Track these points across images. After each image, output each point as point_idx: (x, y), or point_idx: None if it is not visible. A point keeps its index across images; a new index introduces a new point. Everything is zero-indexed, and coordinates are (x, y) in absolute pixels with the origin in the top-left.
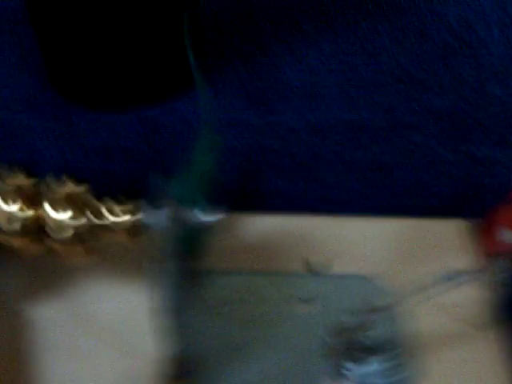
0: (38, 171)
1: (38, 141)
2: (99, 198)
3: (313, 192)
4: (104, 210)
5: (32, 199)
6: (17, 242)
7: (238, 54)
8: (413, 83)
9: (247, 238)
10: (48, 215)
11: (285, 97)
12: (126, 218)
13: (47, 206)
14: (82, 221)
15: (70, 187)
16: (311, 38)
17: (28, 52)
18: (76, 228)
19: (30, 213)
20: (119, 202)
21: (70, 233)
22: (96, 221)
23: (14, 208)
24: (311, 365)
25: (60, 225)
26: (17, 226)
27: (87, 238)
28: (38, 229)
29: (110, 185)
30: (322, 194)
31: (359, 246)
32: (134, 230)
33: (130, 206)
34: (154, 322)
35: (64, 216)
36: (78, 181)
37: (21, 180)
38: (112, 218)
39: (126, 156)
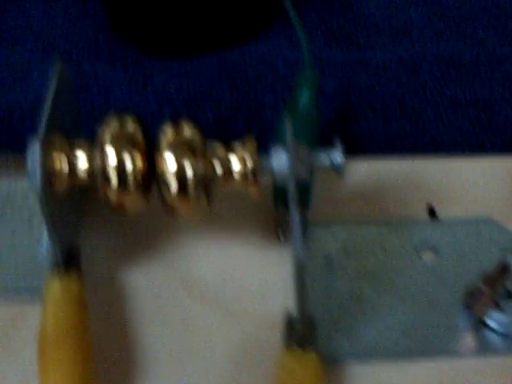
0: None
1: (112, 92)
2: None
3: (414, 132)
4: (224, 157)
5: (141, 147)
6: (122, 197)
7: None
8: (502, 13)
9: (355, 185)
10: (164, 165)
11: (369, 32)
12: (247, 164)
13: (164, 155)
14: (201, 170)
15: (187, 132)
16: None
17: None
18: (195, 179)
19: (141, 163)
20: (232, 147)
21: (188, 184)
22: (217, 169)
23: (123, 158)
24: (446, 316)
25: (178, 176)
26: (128, 178)
27: (205, 189)
28: (147, 181)
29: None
30: (423, 132)
31: (475, 187)
32: (254, 177)
33: (247, 152)
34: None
35: (182, 165)
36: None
37: (130, 127)
38: (234, 166)
39: (209, 101)
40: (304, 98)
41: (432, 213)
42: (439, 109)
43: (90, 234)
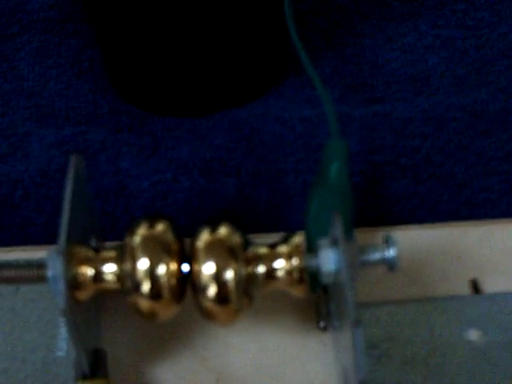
0: (127, 195)
1: (121, 160)
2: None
3: (446, 193)
4: (264, 255)
5: (174, 251)
6: (151, 305)
7: (324, 37)
8: None
9: None
10: (201, 270)
11: (386, 80)
12: (293, 263)
13: (201, 259)
14: (242, 272)
15: (225, 233)
16: (402, 14)
17: (81, 54)
18: (235, 282)
19: (175, 269)
20: (275, 246)
21: (227, 288)
22: (259, 270)
23: (152, 265)
24: None
25: (216, 280)
26: (161, 286)
27: (245, 291)
28: (181, 287)
29: (209, 203)
30: (455, 194)
31: None
32: (298, 277)
33: (288, 248)
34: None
35: (221, 269)
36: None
37: (160, 230)
38: (278, 265)
39: (226, 169)
40: (334, 170)
41: (476, 288)
42: (468, 165)
43: (115, 335)
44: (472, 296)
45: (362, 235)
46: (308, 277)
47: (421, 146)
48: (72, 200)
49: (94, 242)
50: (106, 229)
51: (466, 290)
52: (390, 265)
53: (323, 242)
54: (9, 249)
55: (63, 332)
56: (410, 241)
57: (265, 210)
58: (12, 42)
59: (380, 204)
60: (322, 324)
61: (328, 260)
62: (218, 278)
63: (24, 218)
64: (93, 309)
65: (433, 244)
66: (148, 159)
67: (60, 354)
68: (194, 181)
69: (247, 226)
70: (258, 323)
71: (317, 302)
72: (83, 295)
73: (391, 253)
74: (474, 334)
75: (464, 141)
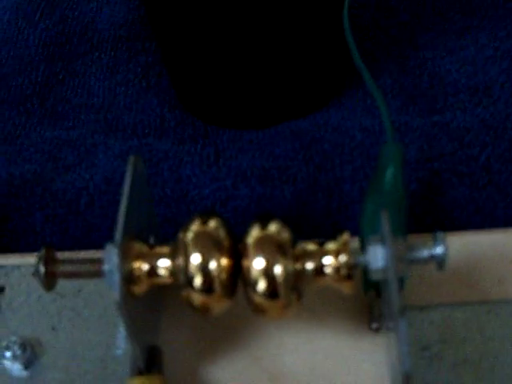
0: (188, 201)
1: (183, 168)
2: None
3: (503, 200)
4: (313, 252)
5: (226, 247)
6: (206, 300)
7: (385, 50)
8: None
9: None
10: (251, 265)
11: (445, 92)
12: (341, 259)
13: (251, 254)
14: (291, 268)
15: (275, 230)
16: (462, 27)
17: (149, 70)
18: (284, 278)
19: (226, 265)
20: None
21: (277, 284)
22: (308, 266)
23: (205, 260)
24: None
25: (266, 276)
26: (214, 281)
27: (293, 286)
28: (233, 282)
29: (270, 210)
30: None
31: None
32: (347, 273)
33: (336, 245)
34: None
35: (271, 265)
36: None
37: (213, 226)
38: (327, 262)
39: (283, 177)
40: (389, 175)
41: None
42: None
43: (170, 333)
44: None
45: (418, 241)
46: (358, 274)
47: (479, 154)
48: (130, 196)
49: (152, 242)
50: (168, 234)
51: None
52: (439, 262)
53: (372, 238)
54: (74, 253)
55: (122, 331)
56: (465, 246)
57: (321, 217)
58: (83, 59)
59: (437, 211)
60: (374, 325)
61: (376, 256)
62: (267, 273)
63: (89, 224)
64: (150, 306)
65: (488, 249)
66: (209, 168)
67: (118, 352)
68: (252, 188)
69: (303, 232)
70: (312, 325)
71: (370, 303)
72: (138, 289)
73: (439, 250)
74: None
75: None
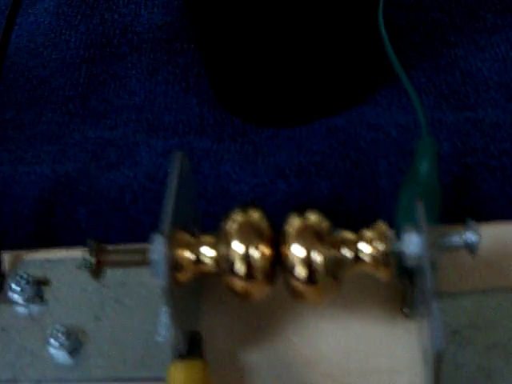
0: (227, 197)
1: (222, 166)
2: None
3: None
4: (353, 241)
5: (268, 237)
6: (248, 287)
7: (419, 49)
8: None
9: (479, 252)
10: (291, 253)
11: (477, 89)
12: (378, 247)
13: (291, 243)
14: (330, 256)
15: (313, 219)
16: (494, 25)
17: (188, 71)
18: (323, 265)
19: (268, 253)
20: (361, 232)
21: (317, 271)
22: (346, 254)
23: (250, 250)
24: None
25: (306, 263)
26: (256, 270)
27: (334, 274)
28: (273, 269)
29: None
30: None
31: None
32: (383, 260)
33: (373, 233)
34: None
35: (310, 252)
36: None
37: (254, 217)
38: (364, 249)
39: (320, 172)
40: (424, 168)
41: None
42: None
43: (211, 318)
44: None
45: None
46: (393, 261)
47: (510, 149)
48: (177, 189)
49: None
50: (209, 229)
51: None
52: (471, 248)
53: (407, 226)
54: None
55: (163, 319)
56: (497, 236)
57: (357, 212)
58: (123, 61)
59: (471, 203)
60: (407, 311)
61: (411, 243)
62: (306, 259)
63: (133, 219)
64: (192, 293)
65: None
66: (248, 165)
67: (159, 339)
68: (289, 184)
69: (340, 226)
70: (347, 311)
71: (403, 290)
72: (183, 277)
73: (471, 236)
74: None
75: None
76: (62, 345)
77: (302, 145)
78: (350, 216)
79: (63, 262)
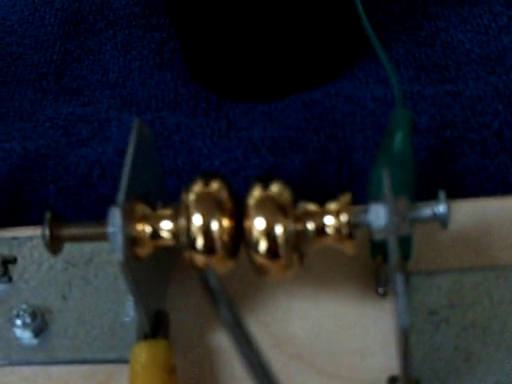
0: (198, 172)
1: (194, 140)
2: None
3: None
4: (316, 213)
5: (228, 208)
6: (209, 260)
7: (399, 21)
8: None
9: (456, 229)
10: (252, 225)
11: (458, 61)
12: (341, 219)
13: (252, 214)
14: (292, 228)
15: (276, 190)
16: None
17: (163, 46)
18: (285, 238)
19: (228, 225)
20: (325, 203)
21: (278, 244)
22: (309, 226)
23: (209, 221)
24: None
25: (267, 235)
26: (215, 241)
27: (296, 248)
28: (235, 243)
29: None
30: None
31: None
32: (349, 232)
33: (337, 205)
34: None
35: (272, 225)
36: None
37: (215, 187)
38: (328, 221)
39: (294, 147)
40: (398, 139)
41: None
42: None
43: (177, 298)
44: None
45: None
46: (360, 235)
47: (491, 122)
48: (133, 159)
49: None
50: None
51: None
52: (441, 221)
53: (374, 197)
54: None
55: (130, 298)
56: (476, 212)
57: (332, 186)
58: (98, 37)
59: (449, 178)
60: (381, 290)
61: (377, 215)
62: (268, 233)
63: (101, 196)
64: (157, 271)
65: (499, 215)
66: (220, 139)
67: (126, 319)
68: (262, 158)
69: (314, 200)
70: (319, 290)
71: (376, 269)
72: (142, 252)
73: (442, 209)
74: None
75: None
76: (26, 325)
77: (276, 119)
78: (325, 191)
79: (30, 239)
